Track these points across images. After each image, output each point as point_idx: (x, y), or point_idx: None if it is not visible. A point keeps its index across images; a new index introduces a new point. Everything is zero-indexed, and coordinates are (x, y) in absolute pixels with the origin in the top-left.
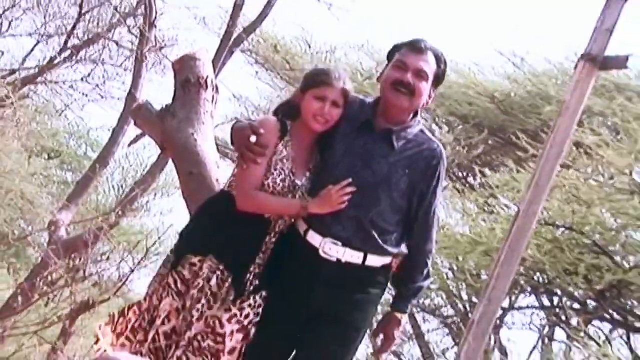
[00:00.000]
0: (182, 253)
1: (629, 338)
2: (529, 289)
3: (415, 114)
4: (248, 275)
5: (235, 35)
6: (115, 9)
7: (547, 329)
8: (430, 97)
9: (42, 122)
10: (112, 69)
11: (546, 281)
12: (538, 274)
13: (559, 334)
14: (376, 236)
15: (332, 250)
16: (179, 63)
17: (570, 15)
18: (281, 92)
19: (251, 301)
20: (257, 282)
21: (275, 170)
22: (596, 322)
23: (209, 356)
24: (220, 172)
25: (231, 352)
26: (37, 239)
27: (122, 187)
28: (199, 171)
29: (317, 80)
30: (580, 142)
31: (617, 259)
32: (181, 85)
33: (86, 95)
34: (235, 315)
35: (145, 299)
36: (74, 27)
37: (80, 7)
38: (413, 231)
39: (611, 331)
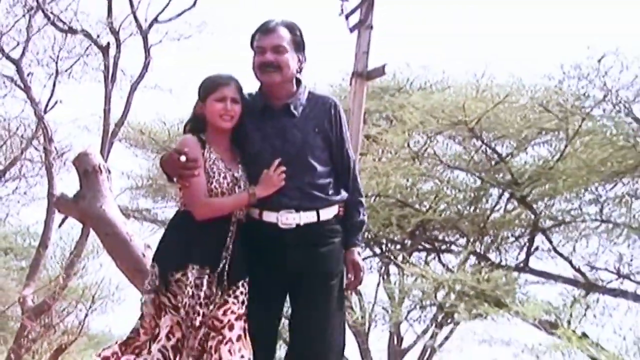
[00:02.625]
0: (165, 274)
1: (440, 258)
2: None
3: (299, 81)
4: (225, 268)
5: (110, 130)
6: (22, 136)
7: (382, 269)
8: (299, 61)
9: None
10: (32, 178)
11: (373, 236)
12: (366, 233)
13: (392, 269)
14: (318, 193)
15: (289, 219)
16: (77, 160)
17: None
18: (155, 160)
19: (241, 288)
20: (234, 270)
21: (214, 173)
22: (415, 254)
23: (216, 352)
24: (128, 227)
25: (238, 339)
26: (14, 313)
27: (62, 258)
28: (113, 231)
29: (213, 84)
30: (368, 135)
31: (416, 206)
32: (83, 175)
33: (18, 202)
34: (229, 307)
35: (141, 327)
36: None
37: None
38: (340, 176)
39: (426, 257)
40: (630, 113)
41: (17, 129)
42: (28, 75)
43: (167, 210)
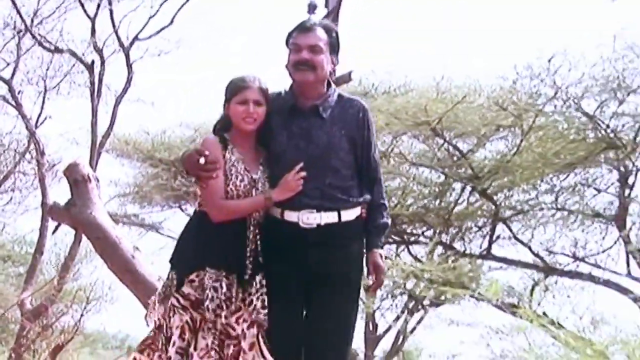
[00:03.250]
0: (181, 276)
1: (409, 250)
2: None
3: (329, 84)
4: (247, 269)
5: (98, 142)
6: (15, 150)
7: None
8: (333, 63)
9: None
10: (26, 190)
11: None
12: None
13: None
14: (340, 194)
15: (310, 218)
16: (67, 170)
17: None
18: (140, 168)
19: (252, 290)
20: (253, 270)
21: (232, 175)
22: (386, 246)
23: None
24: (117, 232)
25: (251, 347)
26: (14, 315)
27: (57, 263)
28: (103, 235)
29: (236, 87)
30: None
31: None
32: (73, 184)
33: (14, 212)
34: (242, 314)
35: (155, 329)
36: None
37: None
38: (364, 179)
39: (397, 249)
40: (579, 108)
41: (10, 144)
42: (19, 93)
43: (154, 214)
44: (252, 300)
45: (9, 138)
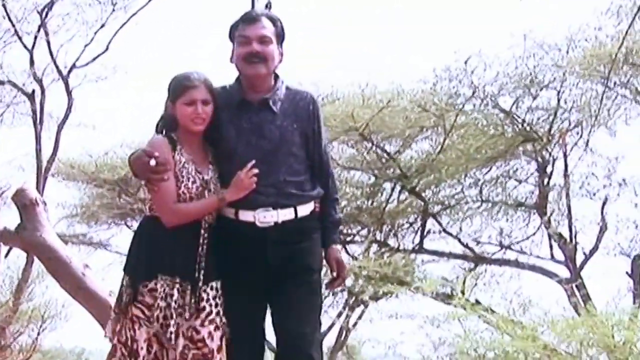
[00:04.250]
0: (135, 284)
1: (346, 249)
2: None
3: (277, 76)
4: (199, 275)
5: (43, 167)
6: None
7: None
8: (280, 54)
9: None
10: None
11: None
12: None
13: None
14: (295, 190)
15: (267, 217)
16: (15, 196)
17: None
18: (85, 189)
19: (209, 295)
20: (207, 276)
21: (182, 177)
22: None
23: None
24: (67, 251)
25: (219, 350)
26: None
27: (11, 285)
28: (54, 255)
29: (181, 87)
30: None
31: None
32: (22, 209)
33: None
34: (206, 316)
35: (116, 342)
36: None
37: None
38: (316, 173)
39: None
40: (496, 105)
41: None
42: None
43: (101, 232)
44: (205, 307)
45: None
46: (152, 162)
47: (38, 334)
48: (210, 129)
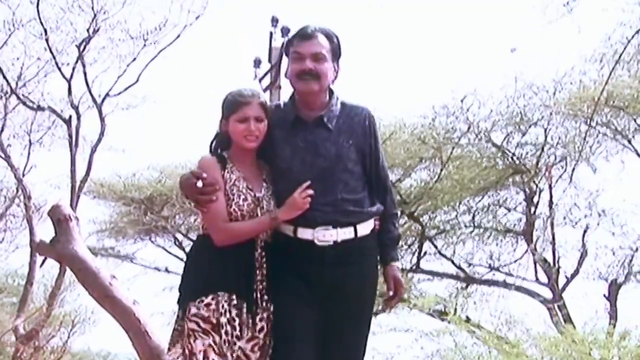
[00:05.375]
0: (185, 304)
1: None
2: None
3: (332, 92)
4: (256, 294)
5: (77, 186)
6: (5, 196)
7: None
8: (335, 71)
9: None
10: (16, 230)
11: None
12: None
13: None
14: (353, 207)
15: (326, 235)
16: (51, 211)
17: None
18: (114, 207)
19: (262, 314)
20: (264, 296)
21: (233, 195)
22: None
23: None
24: (96, 263)
25: None
26: (9, 340)
27: (45, 292)
28: (84, 266)
29: (234, 104)
30: None
31: None
32: (57, 224)
33: (6, 250)
34: (257, 340)
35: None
36: None
37: None
38: (374, 189)
39: None
40: (489, 140)
41: (1, 191)
42: (7, 146)
43: (127, 246)
44: (262, 327)
45: (0, 186)
46: (199, 184)
47: (68, 337)
48: (265, 147)
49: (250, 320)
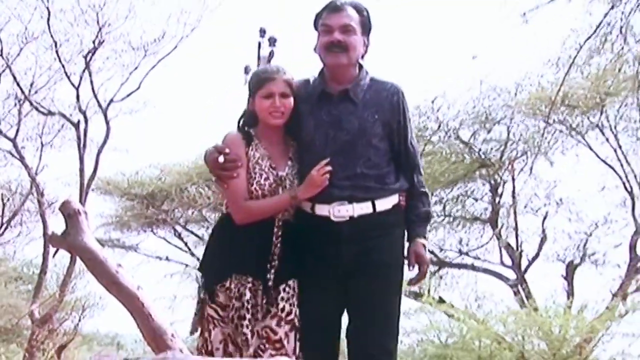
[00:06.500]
0: (211, 284)
1: None
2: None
3: (361, 67)
4: (271, 274)
5: (85, 183)
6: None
7: None
8: (365, 44)
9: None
10: (30, 224)
11: None
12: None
13: None
14: (373, 183)
15: (342, 211)
16: (62, 206)
17: None
18: (119, 202)
19: (283, 294)
20: (282, 272)
21: (255, 173)
22: None
23: None
24: (104, 252)
25: (294, 352)
26: (26, 323)
27: (58, 280)
28: (92, 256)
29: (259, 80)
30: None
31: None
32: (67, 217)
33: (21, 242)
34: (281, 316)
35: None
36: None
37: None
38: (402, 166)
39: None
40: (457, 137)
41: (16, 188)
42: (21, 148)
43: (131, 238)
44: (284, 307)
45: (15, 184)
46: (221, 159)
47: (79, 320)
48: (292, 122)
49: (267, 300)
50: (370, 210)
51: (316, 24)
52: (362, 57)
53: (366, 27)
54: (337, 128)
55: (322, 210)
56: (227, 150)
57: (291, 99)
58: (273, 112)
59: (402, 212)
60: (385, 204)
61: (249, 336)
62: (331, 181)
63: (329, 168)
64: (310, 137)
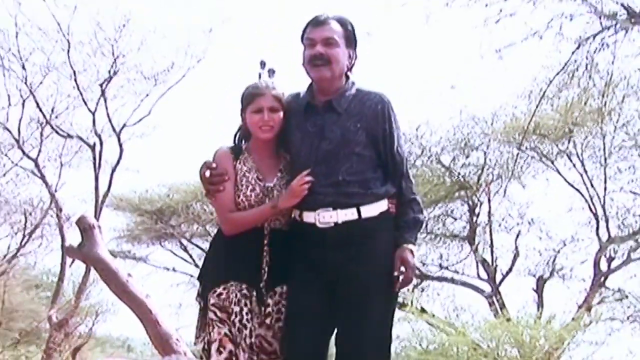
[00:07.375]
0: (205, 293)
1: None
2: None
3: (347, 78)
4: (263, 281)
5: (100, 200)
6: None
7: None
8: (350, 57)
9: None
10: (50, 236)
11: None
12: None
13: None
14: (357, 189)
15: (326, 217)
16: (78, 221)
17: None
18: (130, 217)
19: (274, 305)
20: (273, 282)
21: (242, 185)
22: None
23: None
24: (116, 263)
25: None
26: (44, 327)
27: (74, 288)
28: (106, 266)
29: (249, 96)
30: None
31: None
32: (83, 231)
33: (42, 253)
34: (275, 330)
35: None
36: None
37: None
38: (389, 173)
39: None
40: (439, 162)
41: (38, 204)
42: (42, 167)
43: (141, 250)
44: (269, 313)
45: (37, 200)
46: (207, 173)
47: (93, 324)
48: (282, 136)
49: (263, 308)
50: (355, 216)
51: (302, 38)
52: (350, 69)
53: (351, 40)
54: (320, 138)
55: (308, 217)
56: (214, 165)
57: (280, 113)
58: (262, 126)
59: (392, 218)
60: (371, 210)
61: (242, 342)
62: (315, 189)
63: (309, 178)
64: (297, 148)
